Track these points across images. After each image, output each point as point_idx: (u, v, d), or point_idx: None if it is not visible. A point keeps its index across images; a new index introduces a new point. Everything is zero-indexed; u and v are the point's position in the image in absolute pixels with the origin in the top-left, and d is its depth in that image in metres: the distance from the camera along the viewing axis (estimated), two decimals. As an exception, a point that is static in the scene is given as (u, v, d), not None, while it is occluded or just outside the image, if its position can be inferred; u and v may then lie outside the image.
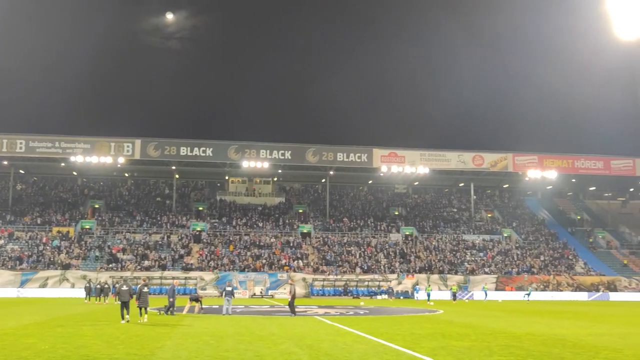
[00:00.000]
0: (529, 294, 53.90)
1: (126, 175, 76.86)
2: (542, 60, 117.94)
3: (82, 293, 47.58)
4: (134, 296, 24.26)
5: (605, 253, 71.99)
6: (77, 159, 64.15)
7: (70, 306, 36.20)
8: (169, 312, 27.56)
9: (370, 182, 79.96)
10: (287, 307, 28.81)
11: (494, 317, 28.94)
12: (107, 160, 64.55)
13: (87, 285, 45.55)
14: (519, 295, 57.31)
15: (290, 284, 30.50)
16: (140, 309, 23.37)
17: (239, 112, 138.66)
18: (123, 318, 23.13)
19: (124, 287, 23.87)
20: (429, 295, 49.67)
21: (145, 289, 23.91)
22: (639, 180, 77.08)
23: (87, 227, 65.77)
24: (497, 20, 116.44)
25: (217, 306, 34.22)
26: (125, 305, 23.34)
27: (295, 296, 28.96)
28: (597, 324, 24.87)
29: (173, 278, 56.68)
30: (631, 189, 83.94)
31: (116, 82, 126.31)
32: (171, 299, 27.90)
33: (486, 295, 55.35)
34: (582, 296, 60.60)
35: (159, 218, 68.92)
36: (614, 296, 61.06)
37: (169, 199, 73.75)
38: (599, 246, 73.95)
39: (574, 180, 78.53)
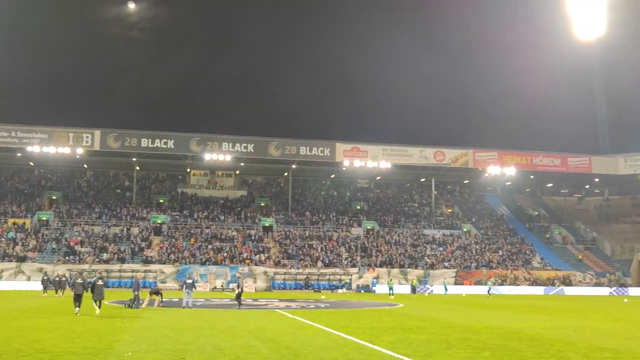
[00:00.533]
0: (489, 289, 54.63)
1: (85, 166, 75.45)
2: (503, 58, 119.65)
3: (38, 286, 46.69)
4: (88, 289, 23.96)
5: (561, 248, 73.63)
6: (34, 149, 62.77)
7: (26, 299, 35.49)
8: (134, 306, 27.18)
9: (332, 176, 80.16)
10: (236, 300, 28.56)
11: (453, 310, 29.35)
12: (66, 151, 63.30)
13: (44, 278, 44.64)
14: (481, 290, 58.10)
15: (239, 277, 30.53)
16: (95, 301, 23.26)
17: (202, 104, 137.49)
18: (77, 310, 23.10)
19: (79, 280, 23.87)
20: (391, 289, 49.56)
21: (100, 282, 23.69)
22: (595, 177, 79.02)
23: (44, 218, 64.44)
24: (458, 18, 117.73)
25: (177, 299, 33.92)
26: (78, 297, 23.29)
27: (243, 290, 29.20)
28: (552, 317, 25.43)
29: (133, 271, 56.07)
30: (587, 186, 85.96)
31: (76, 72, 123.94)
32: (136, 292, 27.56)
33: (446, 289, 56.00)
34: (539, 290, 61.82)
35: (118, 210, 67.94)
36: (568, 290, 62.46)
37: (129, 191, 72.73)
38: (555, 242, 75.57)
39: (532, 176, 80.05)
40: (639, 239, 73.87)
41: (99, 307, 23.38)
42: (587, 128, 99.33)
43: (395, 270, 61.52)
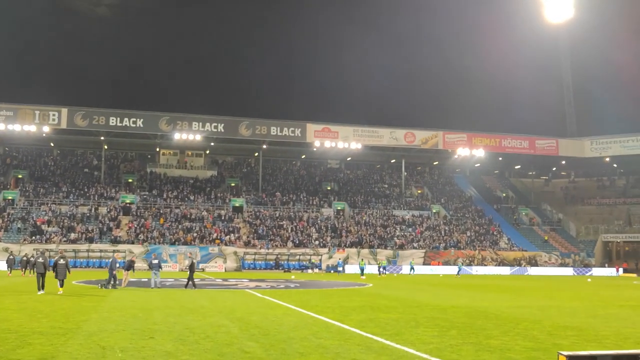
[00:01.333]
0: (459, 270, 55.21)
1: (52, 145, 74.18)
2: (472, 40, 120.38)
3: (3, 266, 46.03)
4: (50, 268, 24.21)
5: (528, 229, 74.88)
6: (-1, 126, 61.47)
7: (-9, 279, 34.94)
8: (111, 286, 26.76)
9: (303, 156, 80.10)
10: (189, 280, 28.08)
11: (421, 290, 29.72)
12: (32, 128, 62.17)
13: (10, 257, 44.05)
14: (451, 270, 58.77)
15: (190, 257, 30.55)
16: (58, 281, 23.58)
17: (171, 83, 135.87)
18: (39, 289, 23.31)
19: (40, 260, 24.05)
20: (362, 269, 49.22)
21: (62, 261, 23.92)
22: (561, 159, 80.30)
23: (10, 197, 63.35)
24: (427, 0, 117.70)
25: (146, 279, 33.73)
26: (41, 276, 23.52)
27: (194, 270, 28.95)
28: (518, 297, 25.91)
29: (101, 251, 55.57)
30: (554, 168, 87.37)
31: (42, 48, 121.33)
32: (113, 272, 27.17)
33: (412, 269, 56.43)
34: (505, 271, 62.87)
35: (86, 189, 67.08)
36: (534, 271, 63.63)
37: (97, 170, 71.82)
38: (522, 223, 76.80)
39: (500, 158, 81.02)
40: (604, 220, 75.49)
41: (61, 286, 23.66)
42: (554, 111, 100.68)
43: (365, 251, 61.96)
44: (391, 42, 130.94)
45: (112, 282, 26.97)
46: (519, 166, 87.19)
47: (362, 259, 54.05)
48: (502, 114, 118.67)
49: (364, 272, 49.44)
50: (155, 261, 28.57)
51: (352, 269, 58.41)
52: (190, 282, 27.86)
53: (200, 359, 9.53)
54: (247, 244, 60.40)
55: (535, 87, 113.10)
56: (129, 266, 28.87)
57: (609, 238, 73.54)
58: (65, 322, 14.18)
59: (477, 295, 26.56)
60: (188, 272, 28.46)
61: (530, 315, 17.61)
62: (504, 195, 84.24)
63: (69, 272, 24.16)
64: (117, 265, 27.98)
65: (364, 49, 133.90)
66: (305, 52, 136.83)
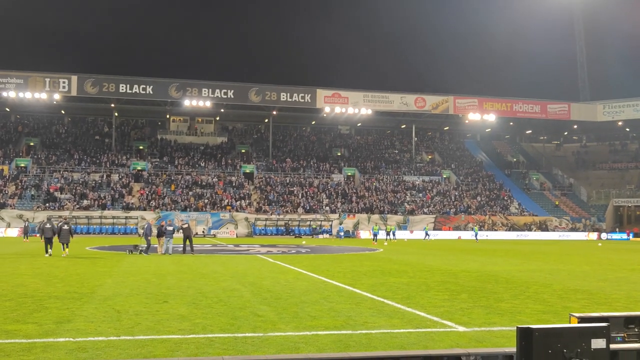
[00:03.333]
0: (476, 234, 54.77)
1: (63, 112, 74.38)
2: (484, 4, 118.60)
3: (13, 232, 46.65)
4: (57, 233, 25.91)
5: (539, 194, 74.69)
6: (10, 94, 61.69)
7: (7, 245, 35.41)
8: (145, 252, 26.86)
9: (313, 122, 79.90)
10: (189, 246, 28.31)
11: (432, 255, 29.86)
12: (42, 96, 62.31)
13: (25, 224, 44.62)
14: (467, 235, 58.77)
15: (184, 226, 30.39)
16: (62, 244, 25.57)
17: (181, 49, 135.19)
18: (47, 252, 25.44)
19: (47, 225, 26.23)
20: (375, 235, 47.68)
21: (66, 227, 25.86)
22: (573, 124, 79.68)
23: (22, 165, 63.83)
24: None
25: (155, 245, 34.02)
26: (49, 241, 25.64)
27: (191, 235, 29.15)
28: (528, 261, 25.98)
29: (114, 217, 56.03)
30: (565, 133, 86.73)
31: (51, 15, 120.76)
32: (148, 238, 27.24)
33: (427, 235, 55.83)
34: (516, 235, 62.88)
35: (98, 157, 67.41)
36: (545, 235, 63.62)
37: (108, 138, 72.05)
38: (533, 188, 76.60)
39: (511, 123, 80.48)
40: (615, 185, 75.15)
41: (64, 249, 25.54)
42: (567, 75, 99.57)
43: (376, 216, 62.14)
44: (402, 6, 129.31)
45: (147, 248, 27.09)
46: (530, 131, 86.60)
47: (376, 224, 53.47)
48: (514, 78, 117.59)
49: (377, 237, 47.85)
50: (170, 228, 28.51)
51: (364, 235, 58.84)
52: (188, 248, 28.10)
53: (213, 322, 9.66)
54: (258, 210, 60.71)
55: (547, 51, 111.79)
56: (161, 232, 28.47)
57: (621, 203, 73.26)
58: (80, 287, 14.39)
59: (487, 259, 26.66)
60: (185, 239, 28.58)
61: (540, 278, 17.68)
62: (515, 160, 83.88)
63: (72, 236, 26.19)
64: (152, 231, 27.81)
65: (374, 13, 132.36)
66: (315, 17, 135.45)
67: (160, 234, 28.35)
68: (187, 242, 28.33)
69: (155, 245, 28.60)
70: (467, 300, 12.67)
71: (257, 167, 69.70)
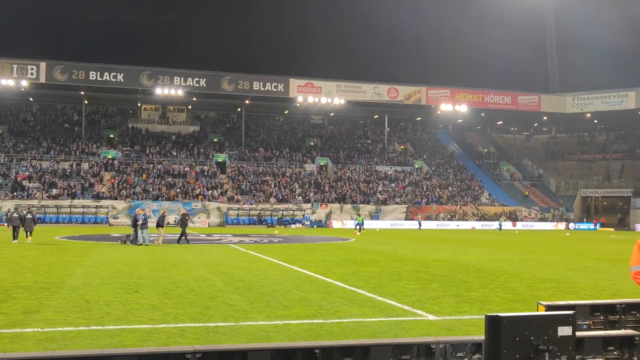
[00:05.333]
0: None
1: (31, 99, 73.01)
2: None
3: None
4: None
5: (509, 185, 75.63)
6: (-24, 80, 60.30)
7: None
8: (133, 242, 26.64)
9: (286, 112, 79.69)
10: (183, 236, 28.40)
11: (403, 245, 30.09)
12: (9, 83, 61.07)
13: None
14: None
15: (183, 213, 30.70)
16: (26, 232, 27.62)
17: (153, 37, 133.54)
18: (14, 239, 27.37)
19: (15, 215, 28.54)
20: (358, 224, 45.97)
21: (29, 216, 27.98)
22: (543, 115, 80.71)
23: (-11, 153, 62.57)
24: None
25: (175, 235, 33.67)
26: (15, 229, 27.77)
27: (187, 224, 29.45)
28: (498, 251, 26.35)
29: (84, 207, 55.34)
30: (535, 124, 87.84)
31: (19, 0, 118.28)
32: (134, 228, 26.91)
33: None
34: (487, 225, 63.63)
35: (67, 145, 66.42)
36: (519, 225, 64.42)
37: (78, 126, 70.99)
38: (503, 178, 77.52)
39: (483, 114, 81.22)
40: (583, 175, 76.38)
41: (28, 236, 27.49)
42: (537, 67, 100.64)
43: (348, 206, 62.34)
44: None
45: (133, 238, 26.91)
46: (501, 122, 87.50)
47: (360, 215, 51.67)
48: (486, 69, 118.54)
49: (361, 227, 45.67)
50: (143, 217, 27.90)
51: (335, 224, 59.14)
52: (183, 237, 28.12)
53: (185, 312, 9.63)
54: (230, 200, 60.47)
55: (518, 43, 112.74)
56: (162, 222, 28.24)
57: (588, 193, 74.52)
58: (49, 277, 14.22)
59: (457, 249, 26.96)
60: (181, 228, 28.73)
61: (509, 268, 17.95)
62: (486, 151, 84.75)
63: (35, 224, 28.32)
64: (140, 221, 27.09)
65: (348, 3, 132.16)
66: (289, 6, 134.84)
67: (160, 223, 28.15)
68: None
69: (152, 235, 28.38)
70: (437, 290, 12.81)
71: (229, 156, 69.33)
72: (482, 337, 3.90)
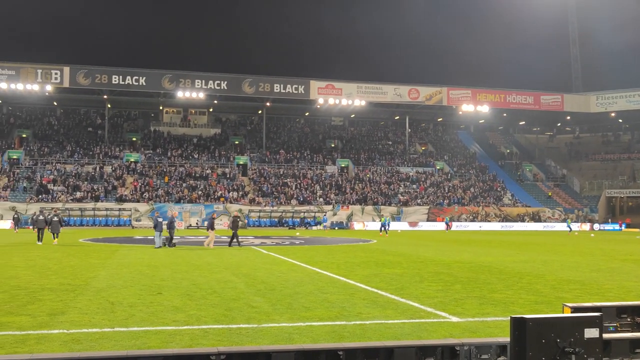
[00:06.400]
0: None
1: (55, 103, 74.01)
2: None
3: (10, 224, 46.53)
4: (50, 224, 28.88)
5: (532, 185, 74.94)
6: (2, 85, 61.30)
7: (-1, 238, 35.28)
8: (168, 244, 26.31)
9: (307, 114, 79.80)
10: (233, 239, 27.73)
11: (425, 246, 29.94)
12: (34, 87, 61.95)
13: (16, 216, 44.54)
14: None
15: (236, 216, 29.95)
16: (53, 234, 28.58)
17: (174, 40, 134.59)
18: (39, 241, 28.55)
19: (40, 217, 29.81)
20: (383, 225, 45.02)
21: (56, 219, 28.80)
22: (566, 115, 79.85)
23: (15, 157, 63.56)
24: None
25: (153, 237, 33.94)
26: (40, 231, 28.94)
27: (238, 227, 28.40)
28: (522, 252, 26.09)
29: (107, 209, 55.89)
30: (558, 124, 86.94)
31: (43, 5, 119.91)
32: (170, 230, 26.52)
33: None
34: (509, 226, 63.13)
35: (90, 148, 67.17)
36: (537, 226, 63.85)
37: (101, 129, 71.78)
38: (526, 179, 76.84)
39: (505, 114, 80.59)
40: (608, 176, 75.45)
41: (54, 238, 28.44)
42: (560, 66, 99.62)
43: (369, 208, 62.22)
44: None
45: (171, 241, 26.44)
46: (523, 122, 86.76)
47: (383, 216, 51.18)
48: (508, 69, 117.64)
49: (386, 228, 44.77)
50: (161, 219, 27.79)
51: (359, 226, 59.09)
52: (234, 240, 27.44)
53: (208, 314, 9.67)
54: (251, 202, 60.67)
55: (541, 43, 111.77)
56: (212, 224, 27.72)
57: (613, 193, 73.57)
58: (74, 279, 14.37)
59: (480, 250, 26.76)
60: (232, 230, 28.07)
61: (533, 269, 17.76)
62: (508, 151, 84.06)
63: (61, 226, 29.25)
64: (175, 223, 26.80)
65: (367, 4, 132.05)
66: (309, 8, 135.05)
67: (211, 226, 27.66)
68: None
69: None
70: (460, 291, 12.72)
71: (250, 158, 69.62)
72: (507, 339, 3.86)
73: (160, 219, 27.35)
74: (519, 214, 66.35)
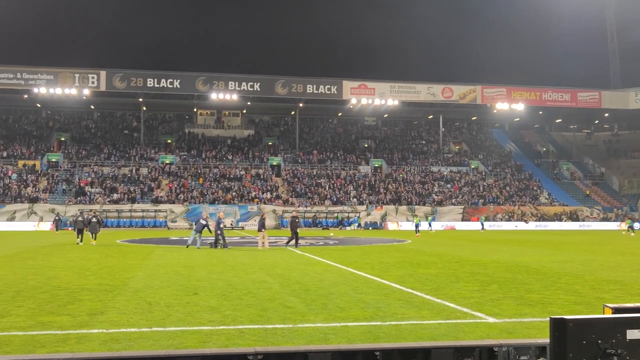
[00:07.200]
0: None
1: (92, 107, 75.35)
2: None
3: (50, 226, 47.48)
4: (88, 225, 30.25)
5: (569, 184, 73.71)
6: (41, 90, 62.64)
7: (40, 238, 36.05)
8: (220, 245, 26.26)
9: (339, 114, 79.78)
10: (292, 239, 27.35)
11: (460, 246, 29.68)
12: (72, 91, 63.15)
13: (57, 218, 45.52)
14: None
15: (294, 216, 28.97)
16: (91, 234, 30.05)
17: (207, 43, 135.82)
18: (78, 241, 29.61)
19: (79, 218, 30.96)
20: (417, 226, 45.60)
21: (94, 220, 30.24)
22: (604, 112, 78.31)
23: (54, 160, 64.88)
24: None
25: (186, 238, 34.31)
26: (80, 232, 30.05)
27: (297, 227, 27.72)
28: (560, 251, 25.68)
29: (143, 211, 56.69)
30: (596, 121, 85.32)
31: (79, 11, 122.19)
32: (218, 232, 26.56)
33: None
34: (546, 226, 62.19)
35: (127, 151, 68.22)
36: (575, 226, 62.79)
37: (137, 132, 72.83)
38: (563, 177, 75.61)
39: (541, 112, 79.43)
40: (648, 173, 73.78)
41: (94, 238, 29.90)
42: (598, 62, 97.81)
43: (403, 208, 61.93)
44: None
45: (221, 242, 26.38)
46: (559, 120, 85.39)
47: (416, 216, 51.98)
48: (543, 66, 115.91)
49: (419, 228, 45.22)
50: (204, 222, 27.90)
51: (393, 226, 58.87)
52: (293, 240, 27.22)
53: (243, 314, 9.73)
54: (285, 203, 60.90)
55: (577, 38, 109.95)
56: (263, 224, 27.38)
57: (654, 192, 71.93)
58: (112, 279, 14.60)
59: (517, 250, 26.42)
60: (290, 231, 27.64)
61: (571, 269, 17.47)
62: (544, 149, 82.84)
63: (100, 227, 30.79)
64: (222, 224, 26.75)
65: (400, 2, 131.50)
66: (341, 7, 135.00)
67: (262, 226, 27.23)
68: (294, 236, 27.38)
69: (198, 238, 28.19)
70: (497, 291, 12.57)
71: (284, 159, 69.89)
72: (546, 340, 3.80)
73: (204, 222, 27.45)
74: (556, 213, 65.34)
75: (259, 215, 58.15)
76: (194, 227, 28.03)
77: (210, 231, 27.49)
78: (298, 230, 27.73)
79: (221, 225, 26.81)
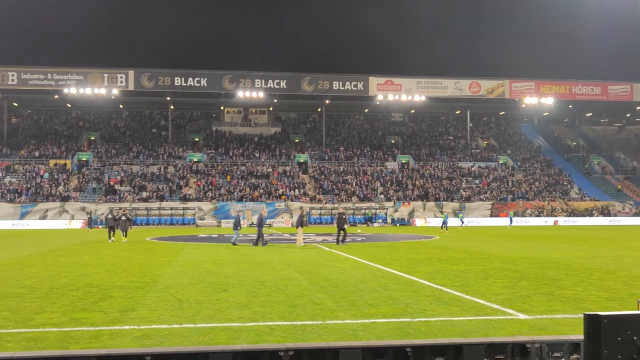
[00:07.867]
0: None
1: (121, 106, 76.26)
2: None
3: (77, 224, 48.25)
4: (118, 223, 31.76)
5: (600, 178, 72.54)
6: (71, 90, 63.56)
7: (71, 237, 36.60)
8: (261, 243, 26.12)
9: (366, 110, 79.58)
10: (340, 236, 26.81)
11: (489, 242, 29.42)
12: (101, 91, 63.96)
13: (89, 216, 46.28)
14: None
15: (341, 213, 27.86)
16: (122, 232, 31.31)
17: (233, 41, 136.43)
18: (110, 238, 30.61)
19: (109, 216, 32.25)
20: (444, 222, 44.73)
21: (124, 218, 31.81)
22: (636, 105, 76.91)
23: (84, 159, 65.78)
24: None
25: (216, 235, 34.55)
26: (112, 229, 31.22)
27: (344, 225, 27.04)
28: (591, 247, 25.32)
29: (172, 209, 57.20)
30: (628, 115, 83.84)
31: (108, 12, 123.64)
32: (259, 229, 26.58)
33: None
34: (576, 221, 61.29)
35: (155, 149, 68.89)
36: (606, 221, 61.77)
37: (165, 130, 73.51)
38: (594, 172, 74.44)
39: (570, 106, 78.29)
40: (681, 167, 72.32)
41: (125, 236, 31.16)
42: (629, 54, 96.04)
43: (431, 204, 61.59)
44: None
45: (262, 239, 26.27)
46: (590, 114, 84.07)
47: (443, 212, 52.25)
48: (573, 59, 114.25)
49: (446, 225, 44.55)
50: (237, 216, 27.92)
51: (420, 222, 58.60)
52: (342, 237, 26.92)
53: (272, 310, 9.78)
54: (312, 199, 60.97)
55: (608, 30, 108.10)
56: (301, 222, 27.33)
57: (687, 186, 70.47)
58: (143, 277, 14.78)
59: (547, 246, 26.10)
60: (337, 229, 27.22)
61: (603, 265, 17.21)
62: (574, 144, 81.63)
63: (130, 225, 32.39)
64: (265, 221, 26.71)
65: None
66: (367, 4, 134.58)
67: (300, 223, 27.20)
68: (341, 233, 26.91)
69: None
70: (527, 288, 12.45)
71: (310, 156, 69.94)
72: (580, 337, 3.76)
73: (237, 217, 27.61)
74: (587, 208, 64.39)
75: (286, 213, 58.55)
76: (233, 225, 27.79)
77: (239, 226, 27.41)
78: (345, 227, 27.19)
79: (263, 223, 26.69)
